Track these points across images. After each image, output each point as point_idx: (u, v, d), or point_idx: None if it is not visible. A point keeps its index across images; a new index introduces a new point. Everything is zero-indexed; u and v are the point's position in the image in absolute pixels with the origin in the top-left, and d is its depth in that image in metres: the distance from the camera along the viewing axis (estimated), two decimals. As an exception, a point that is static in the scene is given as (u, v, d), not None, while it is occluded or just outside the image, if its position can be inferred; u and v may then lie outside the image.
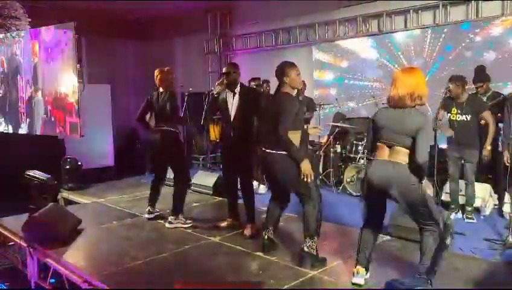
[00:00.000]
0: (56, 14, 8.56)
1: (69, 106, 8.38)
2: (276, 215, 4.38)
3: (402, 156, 3.31)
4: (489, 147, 5.37)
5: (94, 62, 10.72)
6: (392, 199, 3.39)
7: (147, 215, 5.56)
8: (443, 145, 5.73)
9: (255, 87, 7.39)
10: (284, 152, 3.89)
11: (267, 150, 4.03)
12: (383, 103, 4.14)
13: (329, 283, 3.65)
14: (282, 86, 4.08)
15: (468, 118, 5.39)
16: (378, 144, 3.42)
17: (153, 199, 5.62)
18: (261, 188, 7.34)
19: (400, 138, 3.32)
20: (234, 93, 4.90)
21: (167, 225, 5.22)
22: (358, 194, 6.79)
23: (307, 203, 3.94)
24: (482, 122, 5.43)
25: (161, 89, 5.39)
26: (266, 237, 4.30)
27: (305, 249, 3.92)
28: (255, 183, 7.36)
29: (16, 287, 4.73)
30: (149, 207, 5.59)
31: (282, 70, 4.10)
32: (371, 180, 3.40)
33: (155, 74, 5.39)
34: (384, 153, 3.38)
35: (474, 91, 5.86)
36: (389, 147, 3.35)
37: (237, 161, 4.94)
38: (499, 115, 5.72)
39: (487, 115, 5.35)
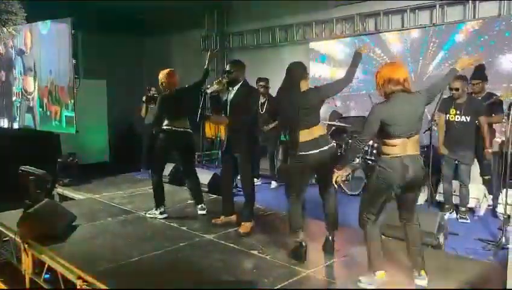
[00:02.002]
0: (53, 8, 8.51)
1: (65, 99, 8.36)
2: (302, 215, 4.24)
3: (417, 145, 3.44)
4: (490, 150, 5.46)
5: (90, 57, 10.69)
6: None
7: (161, 216, 5.43)
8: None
9: (262, 87, 7.40)
10: (330, 145, 4.02)
11: (313, 151, 3.95)
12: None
13: (323, 281, 3.67)
14: (303, 83, 4.06)
15: (468, 119, 5.40)
16: (396, 140, 3.35)
17: (164, 198, 5.57)
18: (272, 184, 7.65)
19: (416, 125, 3.40)
20: (233, 91, 4.90)
21: (203, 212, 5.58)
22: (354, 193, 6.81)
23: (333, 193, 4.11)
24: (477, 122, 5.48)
25: (169, 91, 5.46)
26: (304, 243, 4.09)
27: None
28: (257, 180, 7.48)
29: (11, 282, 4.72)
30: (161, 207, 5.49)
31: (305, 69, 4.16)
32: (408, 178, 3.35)
33: (168, 74, 5.42)
34: (405, 147, 3.35)
35: (470, 90, 5.87)
36: (408, 138, 3.36)
37: (234, 158, 4.94)
38: (493, 115, 5.76)
39: (482, 120, 5.39)
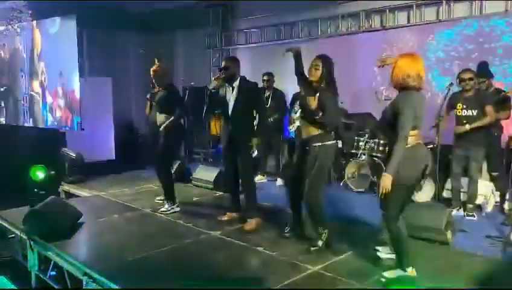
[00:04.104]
0: (57, 6, 8.52)
1: (76, 104, 8.34)
2: None
3: None
4: (468, 127, 5.29)
5: (95, 55, 10.69)
6: None
7: (178, 209, 5.57)
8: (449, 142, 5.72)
9: (266, 81, 7.38)
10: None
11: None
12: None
13: (329, 278, 3.64)
14: None
15: (475, 113, 5.32)
16: (414, 131, 3.42)
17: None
18: (278, 181, 7.56)
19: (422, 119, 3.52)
20: (233, 88, 4.88)
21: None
22: (360, 190, 6.78)
23: None
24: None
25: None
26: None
27: None
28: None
29: (16, 279, 4.72)
30: (176, 201, 5.64)
31: None
32: (427, 163, 3.47)
33: (164, 70, 5.62)
34: (419, 136, 3.49)
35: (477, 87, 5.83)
36: (418, 129, 3.49)
37: (237, 155, 4.92)
38: (501, 112, 5.71)
39: (489, 110, 5.31)
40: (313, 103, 4.03)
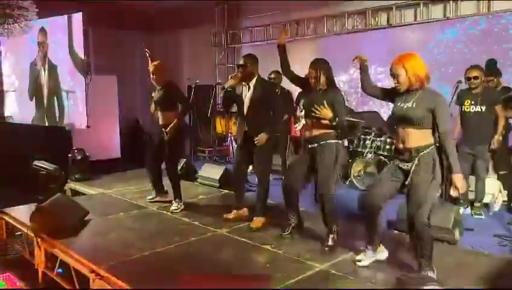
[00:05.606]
0: (63, 4, 8.53)
1: (81, 102, 8.33)
2: None
3: None
4: (500, 138, 5.30)
5: (101, 53, 10.72)
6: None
7: (183, 207, 5.58)
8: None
9: (272, 79, 7.29)
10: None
11: None
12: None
13: (336, 276, 3.63)
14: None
15: (483, 108, 5.30)
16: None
17: None
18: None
19: None
20: (249, 87, 4.84)
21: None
22: (367, 188, 6.75)
23: None
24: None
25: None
26: None
27: None
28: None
29: (23, 276, 4.73)
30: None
31: None
32: None
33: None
34: None
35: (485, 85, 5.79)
36: None
37: (252, 154, 4.89)
38: (509, 110, 5.67)
39: (499, 109, 5.29)
40: (327, 112, 3.98)
